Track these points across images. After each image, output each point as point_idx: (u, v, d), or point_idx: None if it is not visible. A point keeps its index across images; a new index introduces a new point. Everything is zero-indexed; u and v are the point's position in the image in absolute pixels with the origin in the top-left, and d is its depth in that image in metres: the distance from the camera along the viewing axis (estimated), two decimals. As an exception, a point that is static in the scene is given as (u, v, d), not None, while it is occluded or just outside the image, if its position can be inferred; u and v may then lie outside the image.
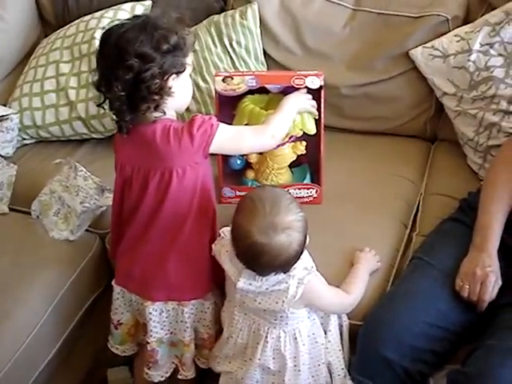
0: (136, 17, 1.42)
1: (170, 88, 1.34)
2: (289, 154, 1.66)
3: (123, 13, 1.92)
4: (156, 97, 1.33)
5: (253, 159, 1.68)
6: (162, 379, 1.59)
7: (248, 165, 1.72)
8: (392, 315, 1.39)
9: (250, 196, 1.35)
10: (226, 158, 1.70)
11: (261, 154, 1.66)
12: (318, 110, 1.60)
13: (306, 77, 1.58)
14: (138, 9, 1.94)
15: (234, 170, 1.73)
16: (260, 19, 1.85)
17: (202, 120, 1.37)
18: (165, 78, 1.33)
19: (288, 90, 1.60)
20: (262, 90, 1.62)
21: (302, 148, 1.66)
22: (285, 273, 1.32)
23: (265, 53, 1.89)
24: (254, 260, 1.30)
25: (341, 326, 1.46)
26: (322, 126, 1.63)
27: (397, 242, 1.64)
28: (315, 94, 1.58)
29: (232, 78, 1.60)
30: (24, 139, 1.93)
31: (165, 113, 1.37)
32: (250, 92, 1.61)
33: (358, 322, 1.46)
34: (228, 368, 1.46)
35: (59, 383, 1.68)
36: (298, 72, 1.61)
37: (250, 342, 1.41)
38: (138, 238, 1.46)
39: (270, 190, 1.38)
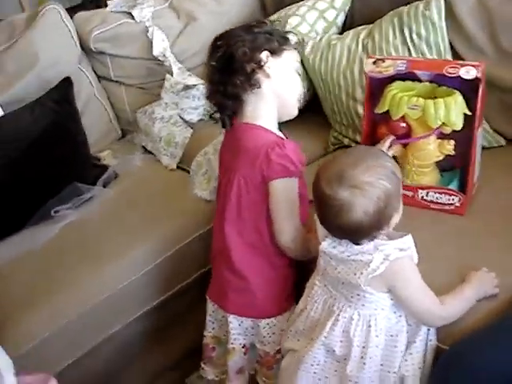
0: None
1: (260, 61, 1.32)
2: (433, 151, 1.49)
3: (322, 2, 1.94)
4: (247, 65, 1.32)
5: (396, 152, 1.55)
6: (217, 378, 1.57)
7: (393, 159, 1.59)
8: (476, 348, 1.15)
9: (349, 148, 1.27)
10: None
11: (404, 147, 1.53)
12: (474, 105, 1.42)
13: (461, 66, 1.41)
14: (337, 0, 1.95)
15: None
16: (453, 13, 1.69)
17: (290, 155, 1.30)
18: (256, 52, 1.32)
19: (438, 79, 1.45)
20: (415, 78, 1.50)
21: (449, 147, 1.48)
22: (355, 244, 1.19)
23: (453, 50, 1.73)
24: (320, 212, 1.20)
25: (426, 345, 1.26)
26: (477, 125, 1.44)
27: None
28: (471, 85, 1.41)
29: (383, 61, 1.51)
30: (210, 112, 2.06)
31: (260, 86, 1.33)
32: (402, 79, 1.51)
33: (445, 346, 1.24)
34: (296, 346, 1.34)
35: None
36: (459, 61, 1.45)
37: (322, 319, 1.28)
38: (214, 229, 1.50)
39: (370, 149, 1.27)
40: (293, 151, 1.32)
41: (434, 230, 1.46)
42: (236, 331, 1.46)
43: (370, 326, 1.22)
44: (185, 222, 1.71)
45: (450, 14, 1.70)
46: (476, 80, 1.39)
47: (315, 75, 1.85)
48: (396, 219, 1.21)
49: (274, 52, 1.36)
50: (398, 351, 1.23)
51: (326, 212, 1.18)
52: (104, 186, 1.88)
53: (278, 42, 1.37)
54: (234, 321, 1.45)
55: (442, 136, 1.48)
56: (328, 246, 1.23)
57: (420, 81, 1.49)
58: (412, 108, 1.44)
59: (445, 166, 1.56)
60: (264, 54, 1.35)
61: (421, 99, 1.43)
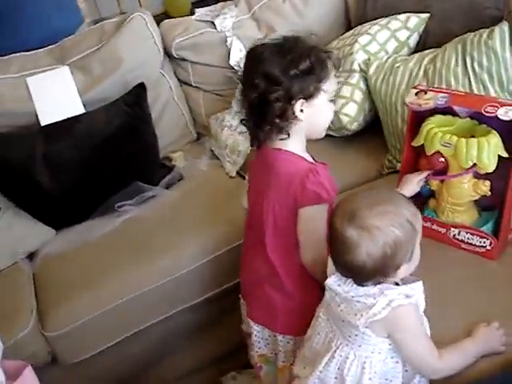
0: (284, 38, 1.37)
1: (294, 112, 1.32)
2: (468, 190, 1.44)
3: (396, 22, 1.91)
4: (278, 120, 1.32)
5: (434, 186, 1.51)
6: None
7: (432, 193, 1.55)
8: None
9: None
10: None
11: (442, 182, 1.48)
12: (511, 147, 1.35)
13: (501, 105, 1.34)
14: (411, 20, 1.90)
15: (421, 194, 1.58)
16: (520, 43, 1.60)
17: (324, 182, 1.32)
18: (291, 102, 1.31)
19: (477, 117, 1.39)
20: (455, 113, 1.44)
21: (484, 188, 1.42)
22: (359, 285, 1.18)
23: (521, 82, 1.63)
24: (329, 245, 1.20)
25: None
26: (516, 170, 1.36)
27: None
28: (510, 126, 1.34)
29: (426, 93, 1.47)
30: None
31: (289, 135, 1.35)
32: (443, 112, 1.46)
33: (436, 395, 1.21)
34: (300, 372, 1.35)
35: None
36: (501, 100, 1.38)
37: (322, 351, 1.29)
38: (247, 252, 1.54)
39: (392, 193, 1.23)
40: (326, 178, 1.34)
41: (459, 272, 1.42)
42: (285, 348, 1.49)
43: (364, 368, 1.21)
44: (228, 230, 1.78)
45: (519, 44, 1.61)
46: (514, 121, 1.33)
47: (376, 96, 1.83)
48: (406, 270, 1.17)
49: (309, 97, 1.34)
50: None
51: (334, 246, 1.19)
52: (168, 187, 2.01)
53: (316, 80, 1.33)
54: (283, 340, 1.48)
55: (479, 175, 1.42)
56: (333, 282, 1.23)
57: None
58: (445, 145, 1.39)
59: (485, 205, 1.49)
60: (299, 104, 1.33)
61: (454, 137, 1.38)
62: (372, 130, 1.92)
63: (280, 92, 1.30)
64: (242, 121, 1.45)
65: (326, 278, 1.32)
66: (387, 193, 1.24)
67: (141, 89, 2.00)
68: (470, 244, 1.44)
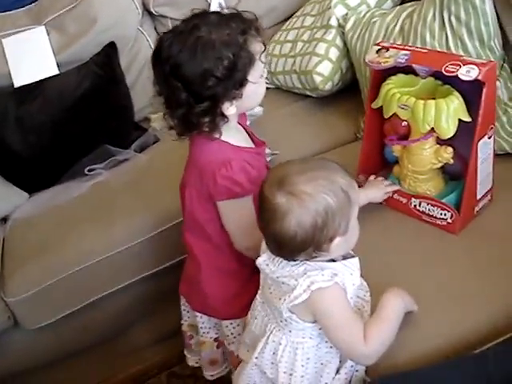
0: (191, 26, 1.20)
1: (222, 113, 1.20)
2: (428, 157, 1.31)
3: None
4: (207, 119, 1.20)
5: (397, 152, 1.39)
6: (197, 365, 1.57)
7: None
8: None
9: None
10: (380, 146, 1.45)
11: (404, 147, 1.36)
12: (476, 110, 1.22)
13: (464, 64, 1.20)
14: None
15: (387, 160, 1.47)
16: (504, -5, 1.44)
17: (235, 177, 1.22)
18: (217, 109, 1.19)
19: (440, 76, 1.26)
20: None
21: (446, 156, 1.29)
22: (288, 260, 1.08)
23: (506, 37, 1.47)
24: (258, 215, 1.11)
25: (353, 375, 1.15)
26: (479, 135, 1.23)
27: (496, 320, 1.14)
28: (475, 87, 1.20)
29: (387, 50, 1.34)
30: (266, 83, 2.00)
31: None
32: (405, 72, 1.33)
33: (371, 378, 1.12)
34: (244, 356, 1.28)
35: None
36: (466, 58, 1.24)
37: (259, 336, 1.21)
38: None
39: (326, 162, 1.11)
40: (240, 171, 1.23)
41: (413, 245, 1.32)
42: (205, 325, 1.46)
43: (296, 355, 1.13)
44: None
45: (502, -4, 1.45)
46: (477, 82, 1.19)
47: (353, 54, 1.70)
48: (341, 244, 1.06)
49: (234, 97, 1.20)
50: (323, 381, 1.13)
51: (263, 215, 1.09)
52: (142, 150, 1.94)
53: (241, 75, 1.18)
54: (202, 315, 1.45)
55: (442, 141, 1.29)
56: (262, 262, 1.14)
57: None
58: (402, 107, 1.27)
59: (454, 173, 1.37)
60: (224, 108, 1.20)
61: (412, 98, 1.25)
62: (351, 90, 1.80)
63: (205, 104, 1.18)
64: (164, 115, 1.28)
65: None
66: (321, 160, 1.13)
67: (111, 48, 1.93)
68: (431, 216, 1.33)
